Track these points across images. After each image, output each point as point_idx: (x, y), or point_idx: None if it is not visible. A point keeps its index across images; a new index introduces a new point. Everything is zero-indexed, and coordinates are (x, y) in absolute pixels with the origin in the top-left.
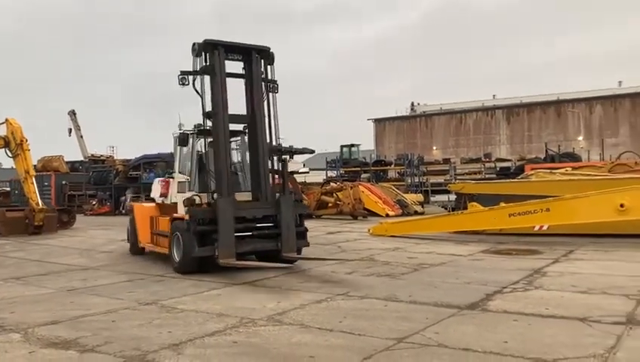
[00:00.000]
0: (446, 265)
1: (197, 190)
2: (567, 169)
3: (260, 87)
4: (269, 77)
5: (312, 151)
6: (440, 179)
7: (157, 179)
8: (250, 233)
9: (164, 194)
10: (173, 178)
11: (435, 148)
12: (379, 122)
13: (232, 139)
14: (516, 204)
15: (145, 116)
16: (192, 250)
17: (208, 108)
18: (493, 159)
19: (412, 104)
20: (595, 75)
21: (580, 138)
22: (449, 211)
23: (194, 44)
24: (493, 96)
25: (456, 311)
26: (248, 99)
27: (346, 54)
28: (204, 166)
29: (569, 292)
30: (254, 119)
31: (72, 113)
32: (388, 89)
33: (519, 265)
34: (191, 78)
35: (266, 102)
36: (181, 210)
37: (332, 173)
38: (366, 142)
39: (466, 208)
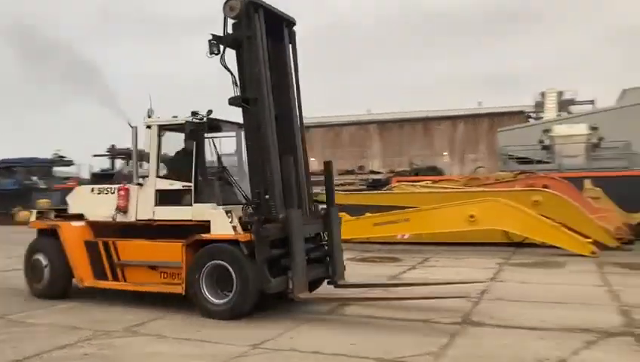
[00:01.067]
0: None
1: (215, 201)
2: (428, 182)
3: (290, 69)
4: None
5: None
6: (317, 190)
7: (86, 187)
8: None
9: (122, 208)
10: (141, 184)
11: (312, 159)
12: None
13: (220, 135)
14: (380, 214)
15: (7, 117)
16: (263, 283)
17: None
18: (366, 171)
19: None
20: (459, 95)
21: (446, 153)
22: None
23: (228, 0)
24: (368, 111)
25: (313, 317)
26: (274, 83)
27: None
28: (224, 169)
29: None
30: (289, 110)
31: None
32: None
33: (379, 272)
34: (222, 47)
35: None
36: (223, 229)
37: None
38: None
39: None
